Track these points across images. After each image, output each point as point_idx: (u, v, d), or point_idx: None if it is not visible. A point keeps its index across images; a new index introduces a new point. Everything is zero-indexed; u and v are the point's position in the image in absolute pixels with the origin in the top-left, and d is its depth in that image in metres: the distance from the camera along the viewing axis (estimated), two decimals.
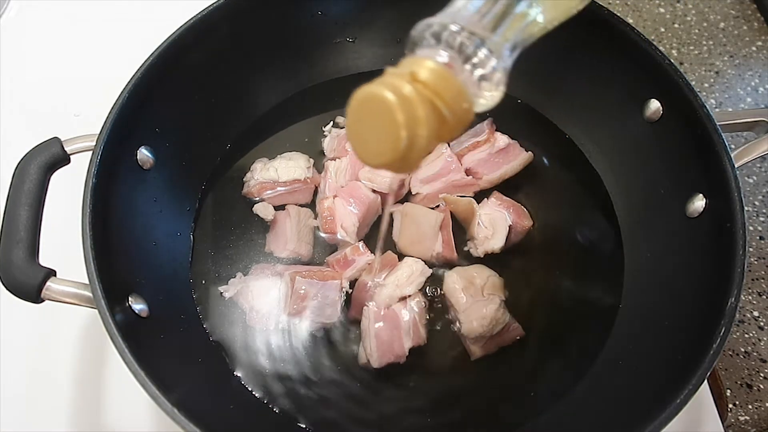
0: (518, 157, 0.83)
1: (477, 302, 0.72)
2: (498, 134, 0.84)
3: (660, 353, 0.67)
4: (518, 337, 0.73)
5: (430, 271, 0.75)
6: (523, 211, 0.80)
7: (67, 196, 0.65)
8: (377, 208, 0.80)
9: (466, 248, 0.79)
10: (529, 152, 0.84)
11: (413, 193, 0.82)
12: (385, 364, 0.70)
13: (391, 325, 0.71)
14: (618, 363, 0.71)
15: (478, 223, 0.78)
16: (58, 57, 1.02)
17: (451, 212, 0.80)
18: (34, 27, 1.05)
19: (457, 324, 0.73)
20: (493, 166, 0.83)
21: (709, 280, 0.64)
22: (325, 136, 0.86)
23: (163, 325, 0.66)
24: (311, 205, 0.82)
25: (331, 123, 0.87)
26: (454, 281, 0.74)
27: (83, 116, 0.95)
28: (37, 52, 1.03)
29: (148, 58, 0.71)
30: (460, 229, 0.80)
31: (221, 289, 0.76)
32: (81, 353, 0.78)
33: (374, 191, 0.79)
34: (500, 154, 0.83)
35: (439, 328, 0.75)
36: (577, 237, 0.81)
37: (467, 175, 0.82)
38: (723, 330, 0.58)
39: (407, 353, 0.71)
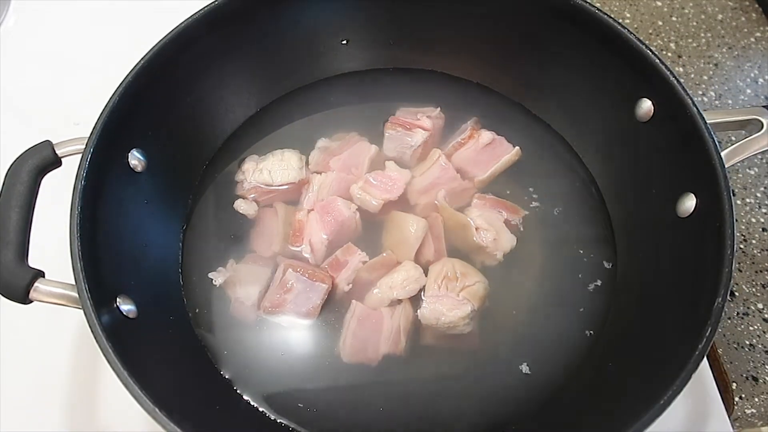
0: (506, 153, 0.83)
1: (447, 298, 0.71)
2: (482, 131, 0.84)
3: (649, 353, 0.66)
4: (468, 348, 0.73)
5: (426, 280, 0.74)
6: (509, 204, 0.80)
7: (63, 199, 0.65)
8: (354, 227, 0.79)
9: (480, 266, 0.77)
10: (516, 147, 0.84)
11: (412, 204, 0.81)
12: (355, 362, 0.70)
13: (372, 327, 0.71)
14: (608, 365, 0.70)
15: (476, 228, 0.77)
16: (57, 65, 1.03)
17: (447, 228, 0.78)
18: (33, 36, 1.06)
19: (420, 302, 0.73)
20: (481, 164, 0.82)
21: (698, 280, 0.63)
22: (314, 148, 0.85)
23: (152, 326, 0.66)
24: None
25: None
26: (442, 269, 0.73)
27: (83, 124, 0.96)
28: (35, 60, 1.04)
29: (139, 62, 0.71)
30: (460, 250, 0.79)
31: (211, 275, 0.75)
32: (78, 353, 0.78)
33: (358, 210, 0.79)
34: (487, 150, 0.83)
35: (421, 343, 0.73)
36: (569, 237, 0.80)
37: (462, 179, 0.81)
38: (709, 331, 0.57)
39: (380, 358, 0.71)
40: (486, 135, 0.83)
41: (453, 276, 0.73)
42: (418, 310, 0.73)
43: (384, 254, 0.76)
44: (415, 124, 0.84)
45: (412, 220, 0.76)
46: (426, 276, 0.74)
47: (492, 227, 0.77)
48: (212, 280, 0.76)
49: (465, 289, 0.72)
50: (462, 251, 0.78)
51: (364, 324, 0.71)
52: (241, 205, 0.80)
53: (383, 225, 0.80)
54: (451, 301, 0.71)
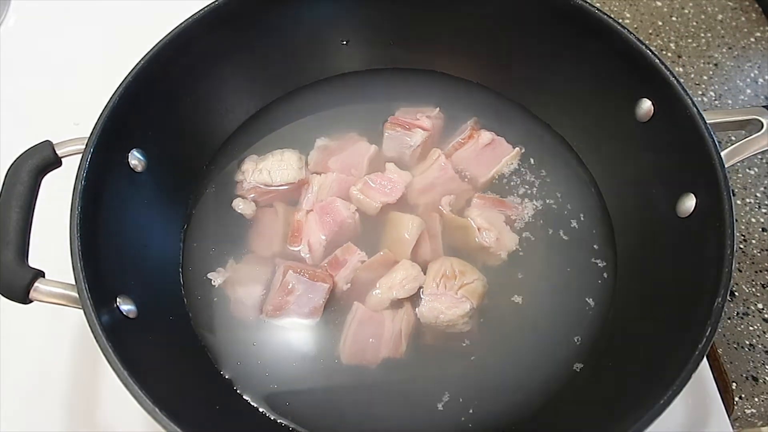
0: (506, 153, 0.83)
1: (446, 296, 0.72)
2: (482, 131, 0.84)
3: (649, 353, 0.66)
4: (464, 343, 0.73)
5: (425, 278, 0.74)
6: (509, 203, 0.80)
7: (63, 199, 0.65)
8: (353, 228, 0.79)
9: (482, 265, 0.77)
10: (517, 148, 0.84)
11: (411, 204, 0.81)
12: (354, 364, 0.71)
13: (373, 330, 0.71)
14: (608, 365, 0.70)
15: (478, 228, 0.77)
16: (57, 65, 1.03)
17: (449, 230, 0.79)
18: (33, 36, 1.06)
19: (419, 300, 0.73)
20: (481, 165, 0.82)
21: (698, 280, 0.63)
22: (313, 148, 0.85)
23: (152, 326, 0.66)
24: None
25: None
26: (440, 267, 0.74)
27: (83, 124, 0.96)
28: (35, 60, 1.04)
29: (139, 62, 0.71)
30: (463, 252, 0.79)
31: (210, 275, 0.76)
32: (78, 353, 0.78)
33: (357, 210, 0.79)
34: (487, 151, 0.83)
35: (422, 344, 0.73)
36: (569, 238, 0.80)
37: (461, 179, 0.82)
38: (709, 331, 0.57)
39: (380, 361, 0.71)
40: (486, 135, 0.83)
41: (452, 274, 0.73)
42: (417, 309, 0.73)
43: (381, 252, 0.76)
44: (415, 124, 0.84)
45: (407, 219, 0.77)
46: (425, 274, 0.74)
47: (493, 227, 0.77)
48: (211, 280, 0.76)
49: (463, 287, 0.73)
50: (464, 252, 0.78)
51: (365, 327, 0.71)
52: (239, 205, 0.80)
53: (381, 225, 0.80)
54: (450, 299, 0.72)
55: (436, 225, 0.78)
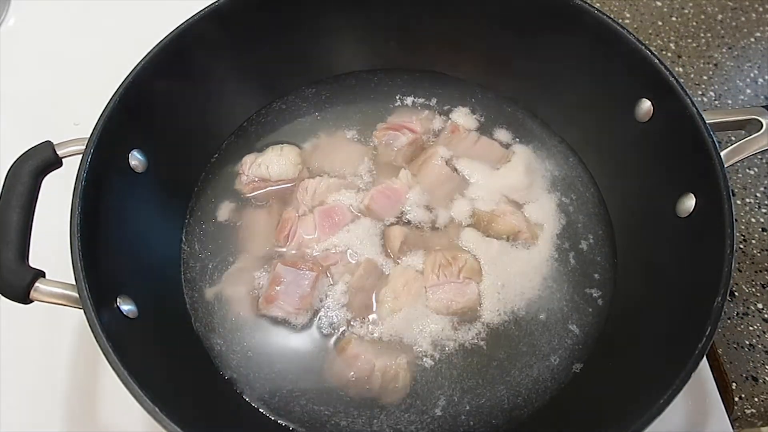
0: (500, 154, 0.84)
1: (449, 284, 0.72)
2: (467, 129, 0.86)
3: (649, 352, 0.66)
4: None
5: (420, 274, 0.75)
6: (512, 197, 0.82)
7: (63, 199, 0.65)
8: (351, 232, 0.79)
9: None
10: (514, 147, 0.85)
11: (416, 206, 0.81)
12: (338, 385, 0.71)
13: (359, 370, 0.70)
14: (608, 365, 0.71)
15: (500, 215, 0.78)
16: (57, 65, 1.03)
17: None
18: (33, 36, 1.06)
19: (425, 295, 0.73)
20: (478, 163, 0.83)
21: (698, 280, 0.63)
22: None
23: (152, 326, 0.66)
24: None
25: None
26: (434, 260, 0.74)
27: (83, 124, 0.96)
28: (35, 60, 1.04)
29: (139, 62, 0.71)
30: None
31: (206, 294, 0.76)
32: (78, 353, 0.78)
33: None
34: (480, 150, 0.84)
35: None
36: (569, 237, 0.80)
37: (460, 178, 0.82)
38: (709, 331, 0.57)
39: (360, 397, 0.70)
40: (473, 134, 0.85)
41: (446, 262, 0.74)
42: (426, 304, 0.73)
43: (362, 262, 0.76)
44: (404, 125, 0.85)
45: (390, 231, 0.78)
46: (420, 270, 0.75)
47: (514, 212, 0.79)
48: (207, 280, 0.76)
49: (462, 270, 0.73)
50: (500, 244, 0.78)
51: (363, 365, 0.71)
52: (223, 213, 0.81)
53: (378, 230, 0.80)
54: (455, 286, 0.72)
55: (444, 223, 0.79)
